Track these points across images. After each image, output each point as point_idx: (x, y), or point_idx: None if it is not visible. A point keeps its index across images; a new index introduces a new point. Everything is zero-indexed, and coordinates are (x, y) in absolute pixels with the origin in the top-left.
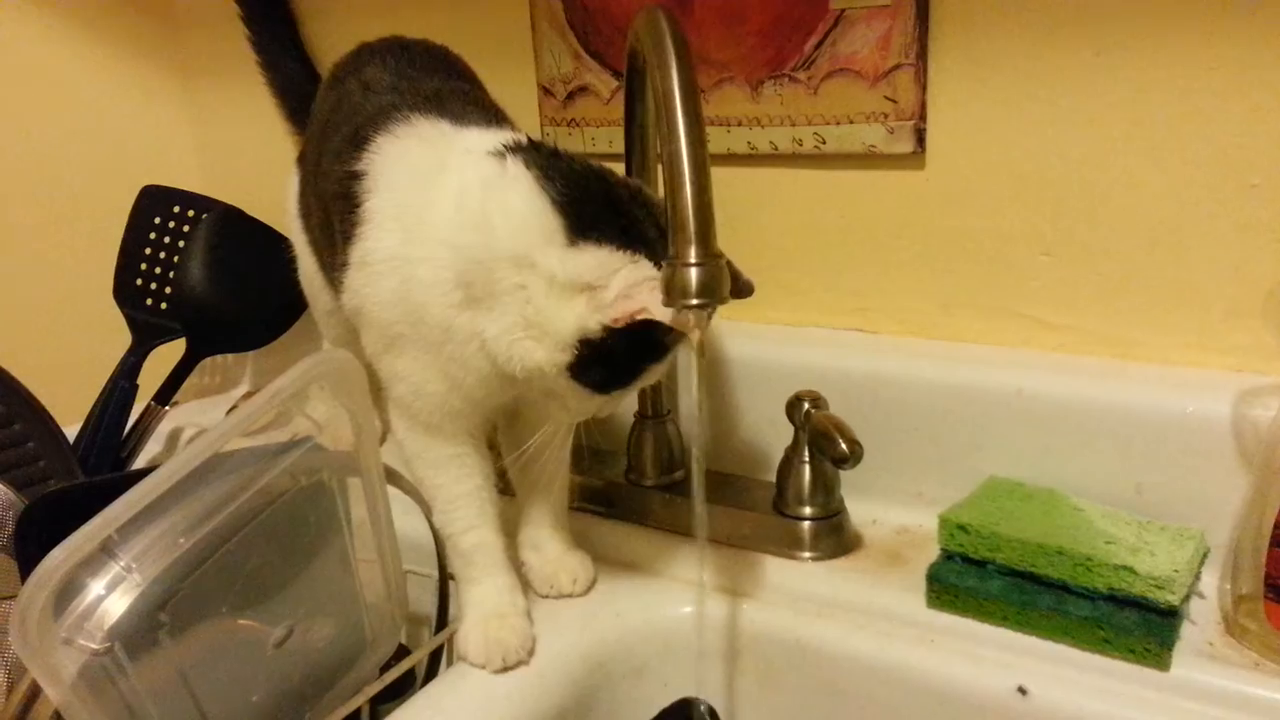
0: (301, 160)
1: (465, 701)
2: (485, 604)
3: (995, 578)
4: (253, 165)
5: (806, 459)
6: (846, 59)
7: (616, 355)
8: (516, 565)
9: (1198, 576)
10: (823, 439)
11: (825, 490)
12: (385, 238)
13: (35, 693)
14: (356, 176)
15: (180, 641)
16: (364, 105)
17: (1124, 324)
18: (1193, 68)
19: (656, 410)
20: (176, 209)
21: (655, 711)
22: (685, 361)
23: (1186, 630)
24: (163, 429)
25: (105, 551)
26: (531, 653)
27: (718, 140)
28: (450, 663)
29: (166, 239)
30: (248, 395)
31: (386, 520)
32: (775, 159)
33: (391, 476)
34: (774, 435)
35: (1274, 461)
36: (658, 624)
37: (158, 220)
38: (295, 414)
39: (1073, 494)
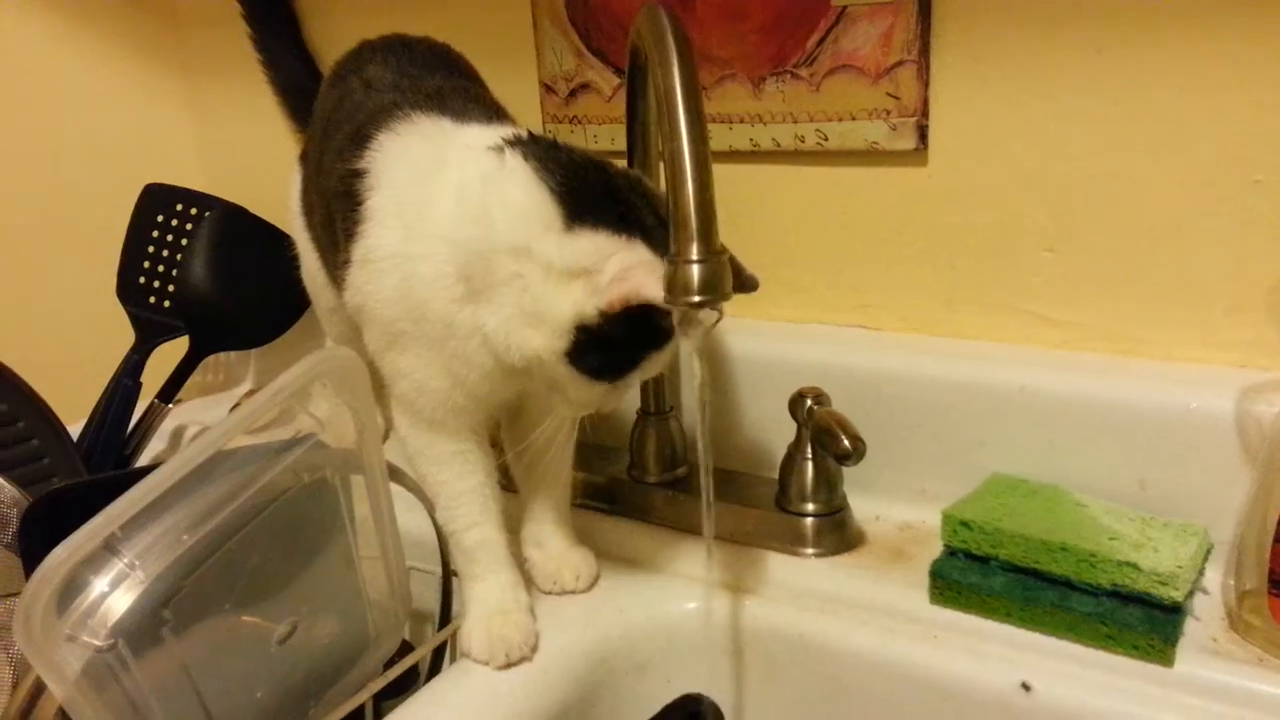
0: (303, 158)
1: (468, 698)
2: (488, 600)
3: (998, 574)
4: (255, 163)
5: (809, 456)
6: (849, 55)
7: (615, 342)
8: (520, 562)
9: (1201, 572)
10: (825, 435)
11: (828, 487)
12: (387, 235)
13: (39, 689)
14: (358, 174)
15: (183, 638)
16: (366, 103)
17: (1127, 320)
18: (1195, 64)
19: (659, 407)
20: (179, 207)
21: (659, 707)
22: (687, 361)
23: (1190, 626)
24: (166, 426)
25: (108, 549)
26: (535, 649)
27: (720, 137)
28: (454, 659)
29: (169, 237)
30: (250, 393)
31: (389, 517)
32: (777, 156)
33: (394, 473)
34: (777, 432)
35: (1277, 457)
36: (661, 620)
37: (160, 218)
38: (298, 411)
39: (1076, 490)
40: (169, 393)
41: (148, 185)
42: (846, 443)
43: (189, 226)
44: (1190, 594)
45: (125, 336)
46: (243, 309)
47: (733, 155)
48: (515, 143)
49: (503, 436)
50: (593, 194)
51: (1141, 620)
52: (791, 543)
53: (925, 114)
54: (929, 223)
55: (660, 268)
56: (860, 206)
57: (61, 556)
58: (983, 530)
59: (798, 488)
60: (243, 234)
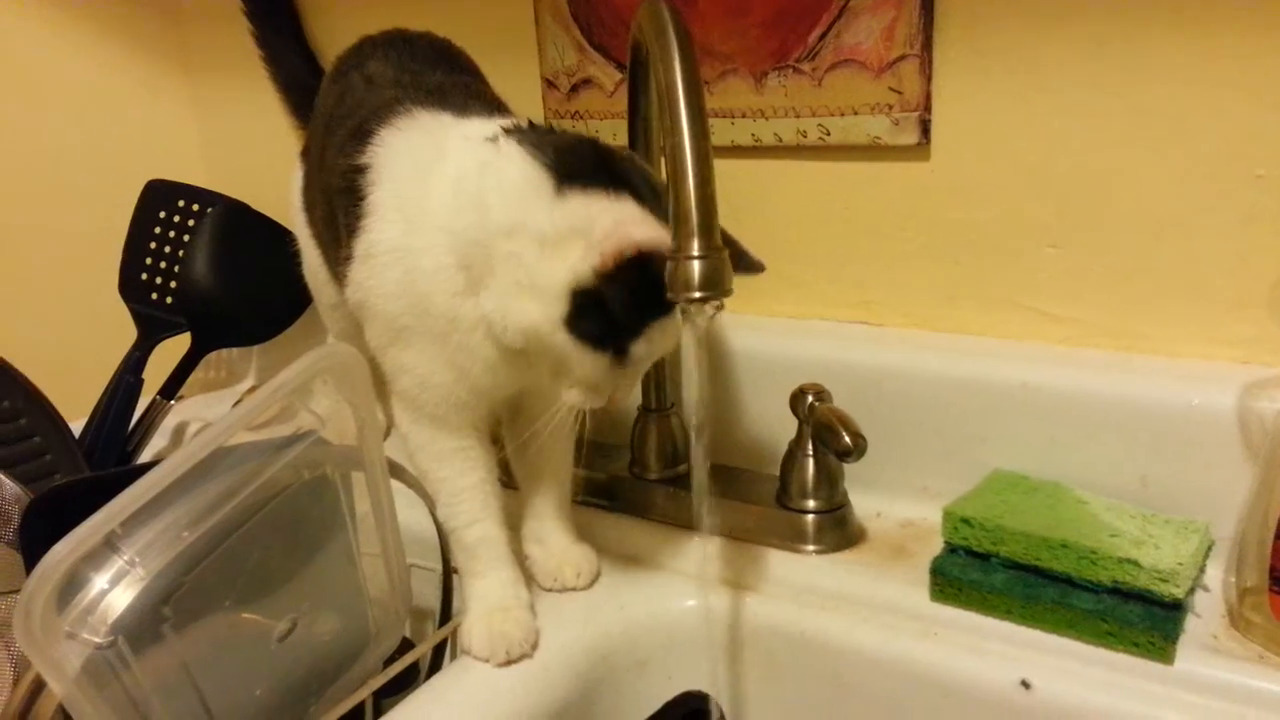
0: (305, 154)
1: (469, 695)
2: (489, 597)
3: (999, 571)
4: (257, 159)
5: (810, 452)
6: (851, 50)
7: (614, 305)
8: (520, 559)
9: (1202, 570)
10: (827, 432)
11: (829, 483)
12: (388, 229)
13: (39, 686)
14: (360, 170)
15: (184, 635)
16: (368, 99)
17: (1129, 316)
18: (1197, 58)
19: (660, 403)
20: (181, 203)
21: (659, 704)
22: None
23: (1191, 623)
24: (168, 423)
25: (109, 545)
26: (535, 646)
27: (722, 132)
28: (454, 656)
29: (171, 234)
30: (252, 390)
31: (390, 514)
32: (779, 151)
33: (395, 470)
34: (778, 428)
35: (1279, 454)
36: (661, 617)
37: (162, 215)
38: (299, 408)
39: (1078, 487)
40: (171, 389)
41: (150, 181)
42: (848, 439)
43: (191, 223)
44: (1191, 591)
45: (127, 333)
46: (244, 305)
47: (734, 150)
48: (511, 131)
49: (504, 434)
50: (583, 162)
51: (1142, 617)
52: (792, 539)
53: (928, 109)
54: (931, 218)
55: (652, 220)
56: (862, 202)
57: (62, 553)
58: (984, 527)
59: (799, 484)
60: (244, 230)
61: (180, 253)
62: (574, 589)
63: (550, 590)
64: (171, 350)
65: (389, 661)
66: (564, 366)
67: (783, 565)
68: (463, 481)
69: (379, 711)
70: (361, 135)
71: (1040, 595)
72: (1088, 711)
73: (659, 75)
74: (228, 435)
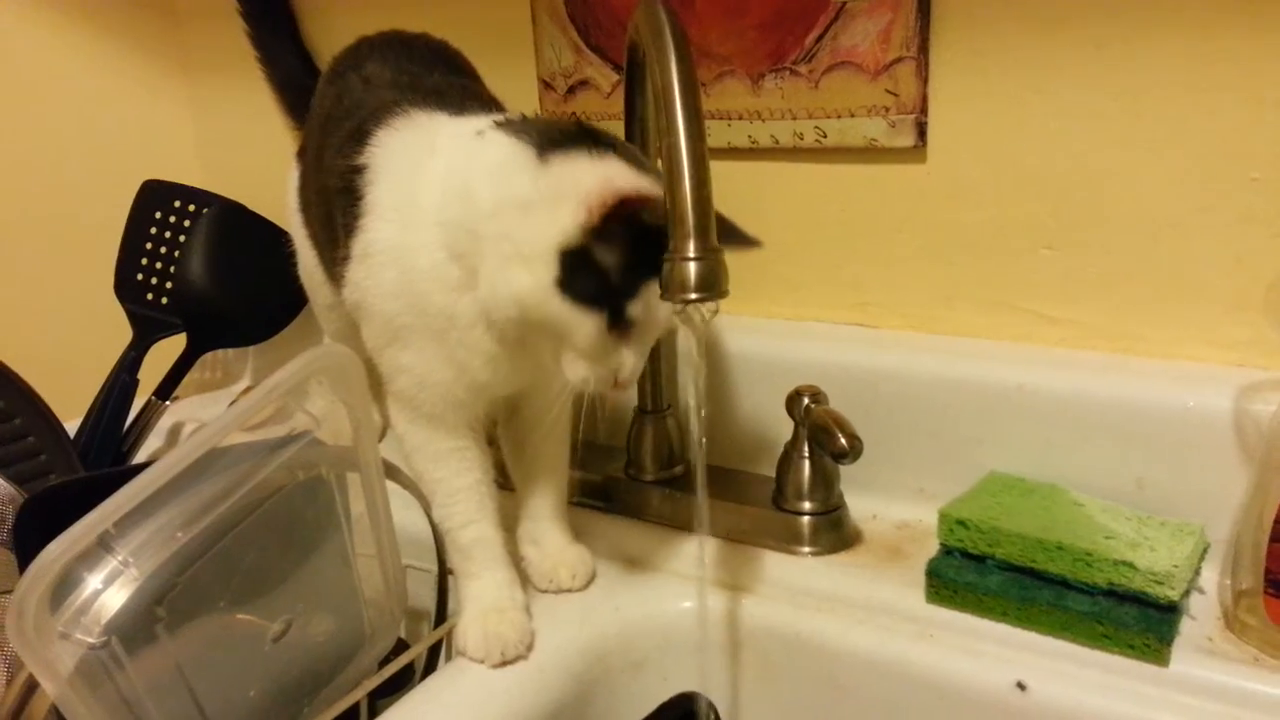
0: (301, 155)
1: (464, 696)
2: (484, 599)
3: (995, 573)
4: (253, 160)
5: (806, 454)
6: (847, 52)
7: (606, 264)
8: (516, 560)
9: (1198, 572)
10: (822, 434)
11: (825, 485)
12: (385, 228)
13: (32, 686)
14: (358, 170)
15: (177, 636)
16: (365, 100)
17: (1125, 318)
18: (1193, 61)
19: (656, 405)
20: (177, 204)
21: (654, 706)
22: (686, 353)
23: (1186, 625)
24: (163, 424)
25: (102, 545)
26: (530, 647)
27: (718, 134)
28: (449, 657)
29: (167, 234)
30: (248, 390)
31: (385, 515)
32: (776, 153)
33: (390, 471)
34: (774, 430)
35: (1274, 456)
36: (657, 618)
37: (158, 215)
38: (294, 409)
39: (1073, 489)
40: (166, 390)
41: (146, 182)
42: (843, 441)
43: (187, 223)
44: (1186, 593)
45: (123, 333)
46: (240, 306)
47: (731, 152)
48: (501, 124)
49: (500, 434)
50: (565, 133)
51: (1137, 619)
52: (788, 541)
53: (924, 111)
54: (928, 220)
55: (638, 174)
56: (859, 204)
57: (55, 553)
58: (979, 529)
59: (794, 486)
60: (241, 231)
61: (176, 253)
62: (569, 590)
63: (546, 591)
64: (167, 351)
65: (384, 662)
66: (562, 338)
67: (778, 567)
68: (459, 482)
69: (374, 712)
70: (359, 136)
71: (1036, 597)
72: (1083, 713)
73: (656, 77)
74: (222, 436)
